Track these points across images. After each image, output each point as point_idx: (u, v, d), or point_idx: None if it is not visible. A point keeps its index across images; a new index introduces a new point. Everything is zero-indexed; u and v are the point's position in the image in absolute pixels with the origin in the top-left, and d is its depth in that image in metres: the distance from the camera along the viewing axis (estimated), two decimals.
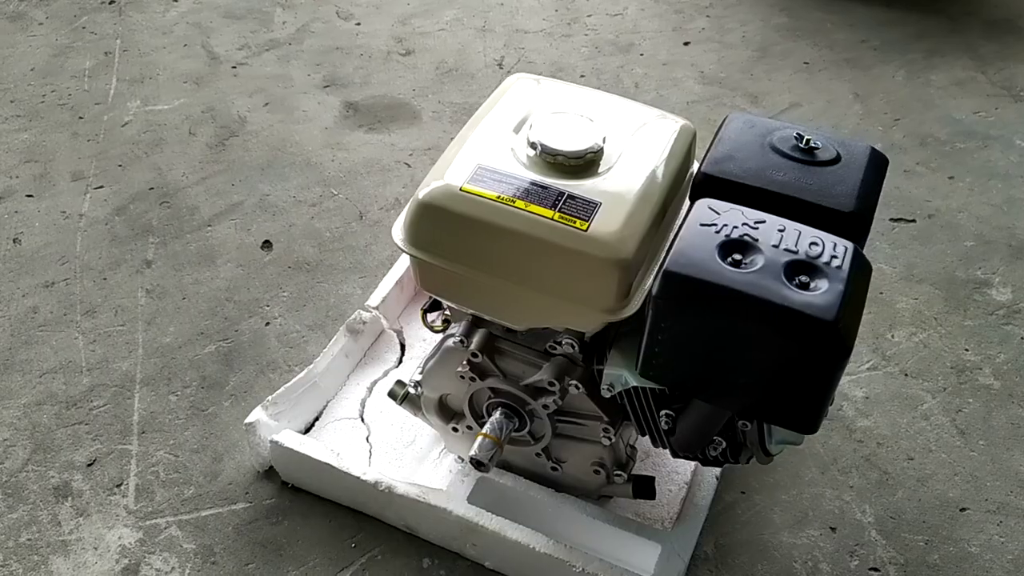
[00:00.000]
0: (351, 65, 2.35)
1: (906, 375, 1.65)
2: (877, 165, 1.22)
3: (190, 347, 1.68)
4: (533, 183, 1.14)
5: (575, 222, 1.10)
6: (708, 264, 1.03)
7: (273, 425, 1.47)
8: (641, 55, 2.40)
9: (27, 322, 1.73)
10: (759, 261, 1.04)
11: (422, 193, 1.15)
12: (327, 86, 2.29)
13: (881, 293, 1.79)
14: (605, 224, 1.11)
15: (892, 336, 1.72)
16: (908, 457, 1.53)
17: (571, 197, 1.13)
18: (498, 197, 1.13)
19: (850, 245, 1.07)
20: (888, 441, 1.56)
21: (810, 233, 1.08)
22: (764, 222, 1.09)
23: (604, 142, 1.20)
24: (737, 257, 1.04)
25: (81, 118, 2.17)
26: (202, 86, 2.28)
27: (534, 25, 2.49)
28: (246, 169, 2.05)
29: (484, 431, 1.29)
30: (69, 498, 1.46)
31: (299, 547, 1.40)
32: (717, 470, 1.45)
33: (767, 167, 1.17)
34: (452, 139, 1.24)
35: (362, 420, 1.55)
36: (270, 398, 1.50)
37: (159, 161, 2.07)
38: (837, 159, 1.19)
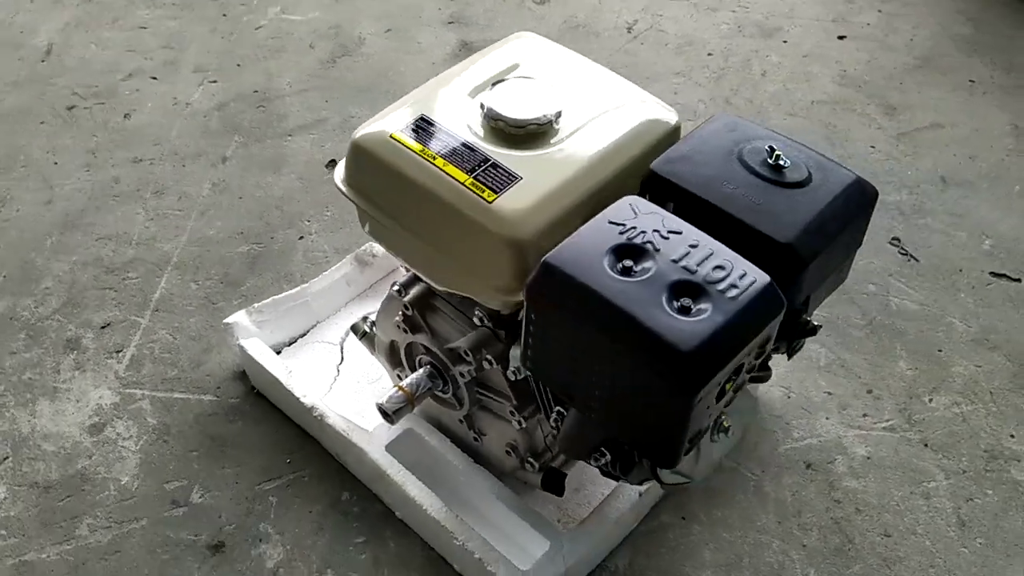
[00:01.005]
0: (482, 6, 2.33)
1: (926, 445, 1.45)
2: (855, 199, 1.07)
3: (226, 244, 1.78)
4: (464, 144, 1.10)
5: (484, 191, 1.05)
6: (590, 263, 0.96)
7: (251, 330, 1.53)
8: (784, 42, 2.20)
9: (105, 190, 1.90)
10: (648, 273, 0.95)
11: (358, 134, 1.14)
12: (451, 23, 2.29)
13: (940, 351, 1.57)
14: (514, 200, 1.05)
15: (930, 400, 1.51)
16: (885, 533, 1.35)
17: (494, 166, 1.07)
18: (421, 151, 1.09)
19: (763, 278, 0.95)
20: (870, 510, 1.38)
21: (724, 256, 0.97)
22: (679, 233, 0.99)
23: (557, 117, 1.12)
24: (628, 264, 0.96)
25: (225, 15, 2.32)
26: (339, 3, 2.35)
27: None
28: (344, 88, 2.11)
29: (401, 384, 1.28)
30: (75, 352, 1.61)
31: (241, 449, 1.47)
32: (640, 486, 1.35)
33: (721, 177, 1.05)
34: None
35: (340, 348, 1.58)
36: (256, 305, 1.56)
37: (273, 67, 2.17)
38: (805, 183, 1.06)
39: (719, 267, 0.96)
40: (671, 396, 0.90)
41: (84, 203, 1.87)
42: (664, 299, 0.93)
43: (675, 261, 0.96)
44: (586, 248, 0.98)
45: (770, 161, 1.07)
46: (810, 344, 1.58)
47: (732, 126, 1.13)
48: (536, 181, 1.07)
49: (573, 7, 2.32)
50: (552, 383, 1.08)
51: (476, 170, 1.07)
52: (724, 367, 0.91)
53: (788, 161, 1.07)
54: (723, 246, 0.99)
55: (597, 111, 1.15)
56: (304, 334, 1.60)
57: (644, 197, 1.08)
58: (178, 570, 1.34)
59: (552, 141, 1.11)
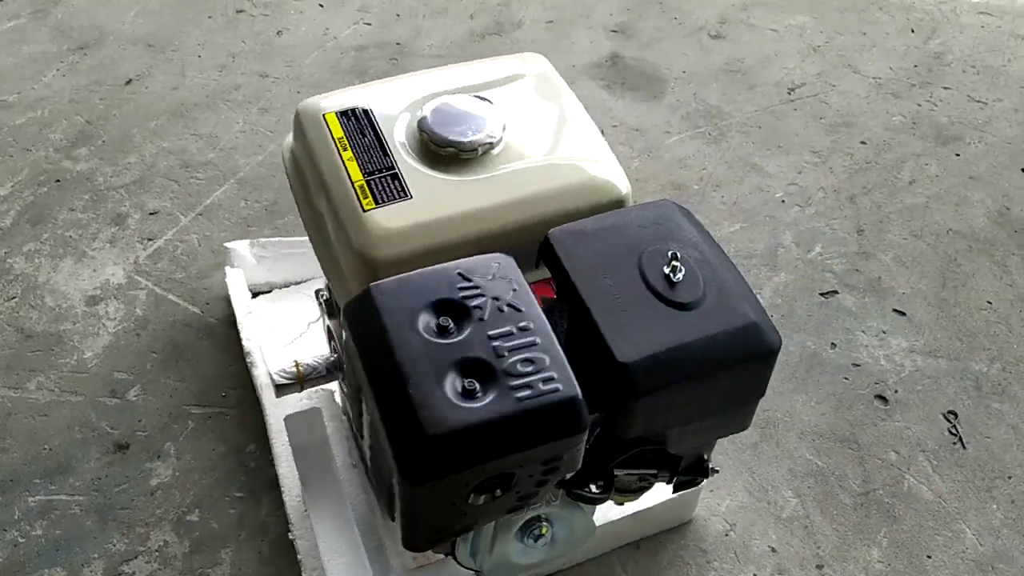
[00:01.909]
0: (654, 24, 2.20)
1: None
2: (742, 343, 0.90)
3: None
4: (381, 146, 1.04)
5: (366, 198, 0.99)
6: (406, 308, 0.88)
7: (247, 261, 1.57)
8: (956, 155, 1.90)
9: (224, 93, 2.01)
10: (456, 339, 0.86)
11: (302, 102, 1.11)
12: (614, 32, 2.19)
13: (929, 557, 1.31)
14: (389, 217, 0.98)
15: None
16: None
17: (394, 176, 1.01)
18: (339, 138, 1.05)
19: (568, 393, 0.84)
20: None
21: (546, 353, 0.86)
22: (519, 311, 0.89)
23: (487, 148, 1.03)
24: (445, 323, 0.87)
25: None
26: None
27: (876, 68, 2.09)
28: None
29: (299, 361, 1.25)
30: (117, 227, 1.73)
31: (191, 367, 1.52)
32: None
33: (607, 268, 0.94)
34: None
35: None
36: (261, 240, 1.60)
37: (425, 26, 2.19)
38: (689, 305, 0.91)
39: (530, 361, 0.85)
40: (398, 475, 0.82)
41: (200, 99, 1.99)
42: (451, 373, 0.84)
43: (490, 338, 0.87)
44: (415, 290, 0.90)
45: (665, 269, 0.92)
46: (784, 490, 1.38)
47: (663, 218, 0.99)
48: (426, 205, 0.99)
49: (745, 51, 2.14)
50: (348, 402, 1.02)
51: (375, 175, 1.01)
52: (469, 468, 0.81)
53: (682, 276, 0.92)
54: (555, 343, 0.87)
55: (540, 156, 1.05)
56: (300, 282, 1.62)
57: (538, 261, 0.98)
58: (80, 452, 1.42)
59: (471, 171, 1.03)
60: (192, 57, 2.09)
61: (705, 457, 1.08)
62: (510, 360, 0.85)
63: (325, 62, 2.08)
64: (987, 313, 1.62)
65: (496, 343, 0.86)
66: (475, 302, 0.89)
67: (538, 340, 0.87)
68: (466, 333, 0.87)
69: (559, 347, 0.87)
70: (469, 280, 0.91)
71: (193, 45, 2.13)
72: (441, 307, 0.89)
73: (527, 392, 0.83)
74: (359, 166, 1.02)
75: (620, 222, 0.98)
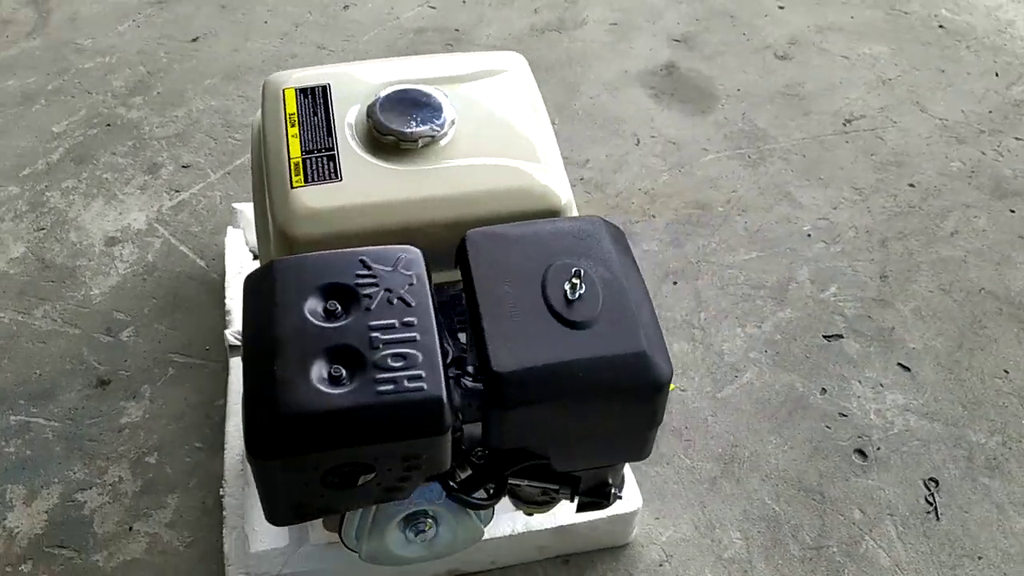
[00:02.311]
0: (721, 38, 2.14)
1: None
2: (628, 373, 0.88)
3: None
4: (327, 127, 1.05)
5: (298, 175, 1.00)
6: (297, 287, 0.90)
7: (253, 223, 1.62)
8: (1011, 211, 1.76)
9: (279, 60, 2.06)
10: (337, 324, 0.87)
11: (272, 75, 1.13)
12: (676, 41, 2.13)
13: None
14: (314, 196, 0.99)
15: None
16: None
17: (331, 158, 1.02)
18: (290, 114, 1.06)
19: (431, 395, 0.83)
20: None
21: (422, 351, 0.86)
22: (409, 306, 0.88)
23: (428, 142, 1.03)
24: (333, 306, 0.88)
25: None
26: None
27: (945, 109, 1.95)
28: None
29: None
30: (150, 176, 1.81)
31: (185, 318, 1.58)
32: None
33: (511, 274, 0.93)
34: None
35: None
36: None
37: (488, 14, 2.19)
38: (579, 324, 0.88)
39: (402, 357, 0.85)
40: (246, 448, 0.83)
41: (256, 63, 2.06)
42: (321, 357, 0.85)
43: (370, 328, 0.87)
44: (313, 270, 0.91)
45: (566, 285, 0.90)
46: (732, 530, 1.32)
47: (585, 234, 0.96)
48: (353, 190, 1.00)
49: (809, 75, 2.04)
50: None
51: (313, 153, 1.03)
52: (316, 452, 0.82)
53: (580, 294, 0.89)
54: (435, 343, 0.86)
55: (484, 156, 1.04)
56: None
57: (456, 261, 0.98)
58: (65, 382, 1.49)
59: (410, 162, 1.03)
60: (259, 22, 2.16)
61: (609, 481, 1.05)
62: (383, 353, 0.85)
63: (383, 40, 2.11)
64: (1001, 383, 1.51)
65: (375, 334, 0.86)
66: (367, 291, 0.89)
67: (418, 337, 0.86)
68: (349, 320, 0.87)
69: (438, 348, 0.86)
70: (368, 268, 0.91)
71: (263, 11, 2.20)
72: (333, 291, 0.89)
73: (390, 387, 0.83)
74: (300, 143, 1.03)
75: (541, 232, 0.96)
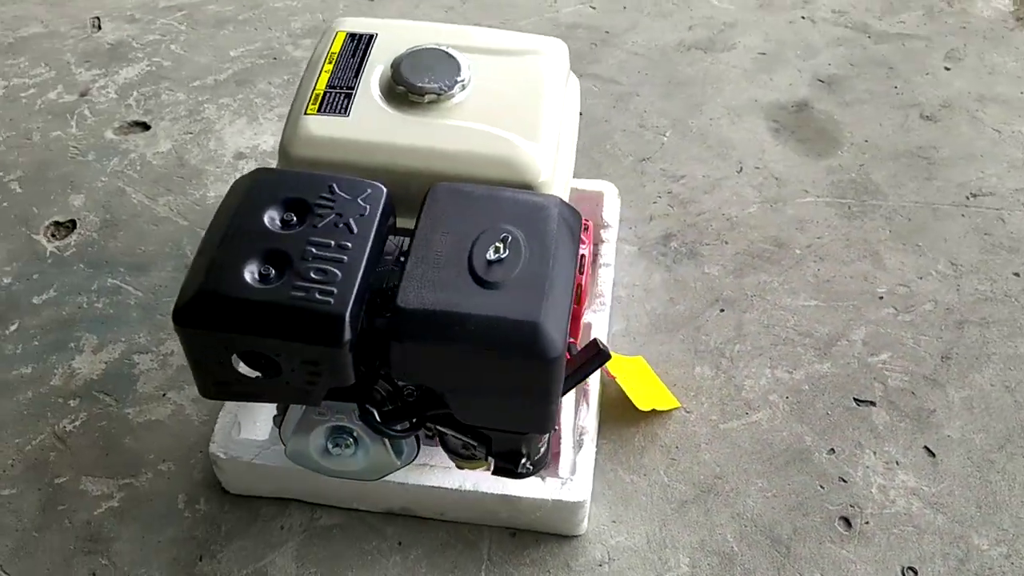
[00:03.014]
0: (870, 85, 2.05)
1: None
2: (515, 336, 0.92)
3: None
4: (358, 70, 1.16)
5: (313, 105, 1.12)
6: (266, 194, 1.03)
7: None
8: None
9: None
10: (284, 233, 0.98)
11: (341, 18, 1.25)
12: (822, 81, 2.06)
13: None
14: (318, 125, 1.11)
15: None
16: None
17: (348, 96, 1.13)
18: (333, 52, 1.18)
19: (334, 311, 0.94)
20: None
21: (345, 273, 0.96)
22: (352, 233, 0.98)
23: (433, 98, 1.12)
24: (288, 217, 1.00)
25: None
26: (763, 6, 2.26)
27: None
28: (672, 82, 2.09)
29: None
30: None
31: None
32: None
33: (452, 226, 1.00)
34: None
35: None
36: None
37: (650, 25, 2.23)
38: (491, 286, 0.94)
39: (324, 272, 0.94)
40: (172, 316, 0.95)
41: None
42: (258, 256, 0.96)
43: (308, 241, 0.97)
44: (284, 183, 1.03)
45: (491, 246, 0.95)
46: (683, 555, 1.31)
47: (538, 209, 1.02)
48: (353, 126, 1.10)
49: (949, 142, 1.92)
50: None
51: (335, 90, 1.14)
52: (220, 331, 0.93)
53: (498, 257, 0.95)
54: (360, 270, 0.95)
55: (482, 125, 1.11)
56: None
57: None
58: (159, 261, 1.71)
59: (413, 113, 1.12)
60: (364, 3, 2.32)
61: (523, 452, 1.09)
62: (309, 264, 0.95)
63: (533, 29, 2.20)
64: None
65: (310, 248, 0.96)
66: (321, 211, 0.99)
67: (345, 260, 0.96)
68: (295, 231, 0.98)
69: (360, 275, 0.95)
70: (332, 193, 1.01)
71: None
72: (294, 204, 1.00)
73: (302, 294, 0.93)
74: (328, 79, 1.15)
75: (498, 198, 1.02)
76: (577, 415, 1.37)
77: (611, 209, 1.63)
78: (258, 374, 0.97)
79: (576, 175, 1.68)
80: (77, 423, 1.49)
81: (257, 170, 1.05)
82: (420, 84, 1.12)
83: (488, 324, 0.92)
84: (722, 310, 1.62)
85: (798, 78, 2.09)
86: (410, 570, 1.32)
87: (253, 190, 1.01)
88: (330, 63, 1.17)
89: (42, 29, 2.24)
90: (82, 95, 2.06)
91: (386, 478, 1.28)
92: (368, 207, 1.00)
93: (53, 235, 1.78)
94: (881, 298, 1.65)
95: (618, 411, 1.46)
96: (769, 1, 2.28)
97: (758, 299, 1.64)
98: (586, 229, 1.35)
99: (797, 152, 1.92)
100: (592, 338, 1.26)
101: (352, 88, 1.15)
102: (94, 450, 1.46)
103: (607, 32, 2.21)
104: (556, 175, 1.12)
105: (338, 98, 1.14)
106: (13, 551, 1.34)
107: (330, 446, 1.10)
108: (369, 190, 1.02)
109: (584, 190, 1.65)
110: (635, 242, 1.73)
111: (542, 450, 1.13)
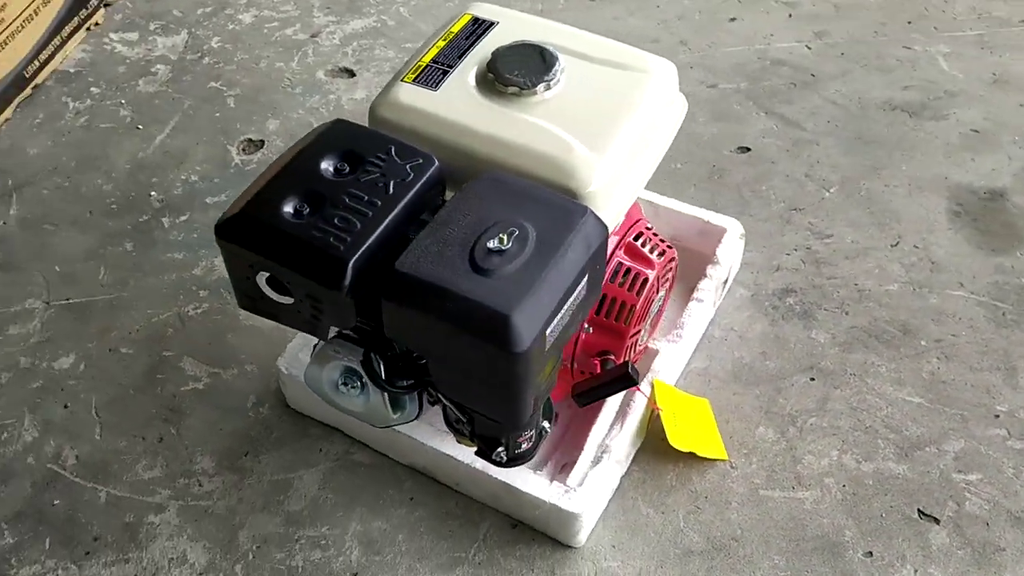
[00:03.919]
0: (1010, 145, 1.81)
1: None
2: (484, 323, 0.97)
3: None
4: (464, 52, 1.23)
5: (412, 75, 1.21)
6: (333, 142, 1.13)
7: None
8: None
9: (638, 39, 2.22)
10: (337, 181, 1.09)
11: (479, 3, 1.32)
12: (900, 109, 1.85)
13: None
14: (405, 94, 1.20)
15: None
16: None
17: (444, 73, 1.20)
18: (451, 31, 1.26)
19: (346, 256, 1.02)
20: None
21: (367, 225, 1.05)
22: (387, 194, 1.07)
23: (512, 92, 1.17)
24: (341, 167, 1.10)
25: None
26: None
27: None
28: (863, 138, 1.97)
29: None
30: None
31: None
32: None
33: (476, 213, 1.07)
34: None
35: None
36: None
37: (861, 77, 2.11)
38: (481, 271, 0.99)
39: (347, 221, 1.03)
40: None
41: (622, 34, 2.23)
42: (301, 194, 1.06)
43: (346, 192, 1.05)
44: (351, 137, 1.12)
45: (497, 235, 0.99)
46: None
47: (565, 215, 1.04)
48: (435, 101, 1.17)
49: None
50: None
51: (437, 65, 1.21)
52: (245, 249, 1.04)
53: (498, 247, 1.00)
54: (380, 227, 1.04)
55: (552, 125, 1.14)
56: None
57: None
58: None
59: (495, 101, 1.17)
60: (652, 5, 2.33)
61: (501, 442, 1.12)
62: (338, 212, 1.04)
63: (734, 57, 2.16)
64: None
65: (344, 197, 1.05)
66: (371, 168, 1.08)
67: (369, 215, 1.03)
68: (341, 180, 1.07)
69: (378, 231, 1.02)
70: (387, 154, 1.09)
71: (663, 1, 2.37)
72: (351, 157, 1.09)
73: (319, 234, 1.02)
74: (435, 55, 1.22)
75: (532, 195, 1.05)
76: (609, 434, 1.37)
77: (727, 248, 1.59)
78: (278, 297, 1.08)
79: (715, 207, 1.66)
80: (199, 311, 1.69)
81: (336, 120, 1.15)
82: (507, 75, 1.16)
83: (465, 306, 0.96)
84: (812, 379, 1.54)
85: (1005, 165, 1.90)
86: (411, 525, 1.39)
87: (323, 136, 1.11)
88: (444, 40, 1.25)
89: None
90: (312, 36, 2.29)
91: (411, 436, 1.36)
92: (412, 175, 1.07)
93: (243, 149, 2.01)
94: (997, 416, 1.49)
95: (664, 445, 1.44)
96: (1007, 79, 2.08)
97: (856, 379, 1.54)
98: (666, 256, 1.34)
99: (969, 241, 1.75)
100: (624, 361, 1.27)
101: (451, 67, 1.21)
102: (202, 337, 1.65)
103: (812, 75, 2.12)
104: (611, 190, 1.12)
105: (435, 73, 1.21)
106: (111, 400, 1.57)
107: (340, 383, 1.19)
108: (420, 160, 1.09)
109: (708, 222, 1.62)
110: (751, 287, 1.67)
111: (523, 446, 1.15)
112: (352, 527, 1.40)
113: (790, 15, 2.29)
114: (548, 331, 0.99)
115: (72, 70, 2.18)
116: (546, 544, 1.37)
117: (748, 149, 1.94)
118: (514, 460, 1.17)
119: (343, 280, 1.00)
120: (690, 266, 1.56)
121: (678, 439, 1.40)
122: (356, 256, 1.00)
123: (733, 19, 2.29)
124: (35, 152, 2.00)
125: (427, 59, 1.23)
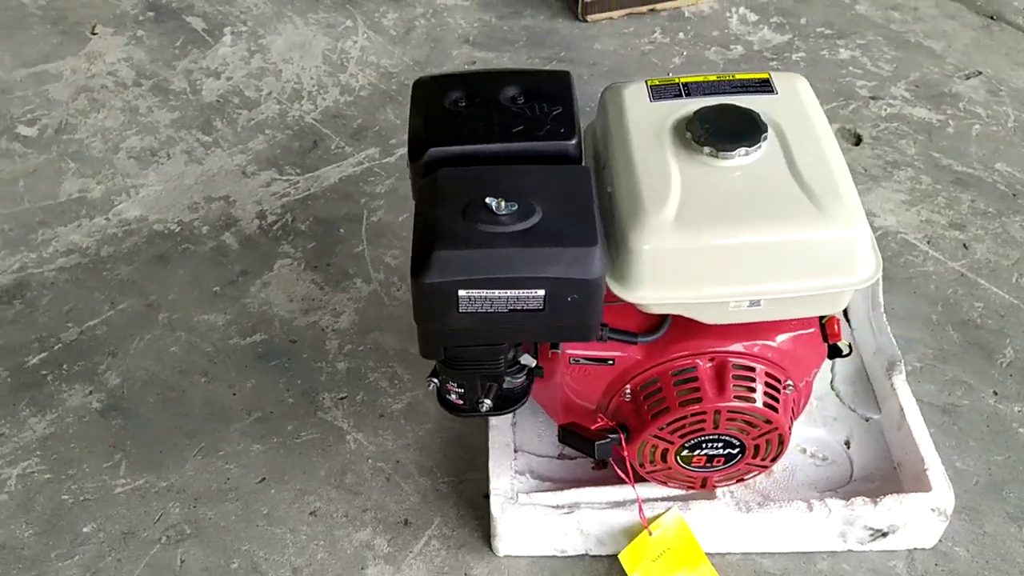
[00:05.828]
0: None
1: None
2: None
3: None
4: (683, 97, 1.27)
5: (657, 80, 1.31)
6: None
7: None
8: None
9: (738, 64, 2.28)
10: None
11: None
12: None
13: None
14: (628, 95, 1.29)
15: None
16: None
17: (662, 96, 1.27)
18: (678, 77, 1.31)
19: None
20: None
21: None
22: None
23: (713, 152, 1.18)
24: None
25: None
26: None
27: None
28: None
29: None
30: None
31: None
32: None
33: (524, 186, 1.14)
34: None
35: None
36: None
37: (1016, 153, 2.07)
38: (499, 218, 1.09)
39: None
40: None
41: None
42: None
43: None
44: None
45: (502, 201, 1.08)
46: None
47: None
48: (631, 111, 1.27)
49: None
50: None
51: (662, 87, 1.28)
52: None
53: (511, 209, 1.08)
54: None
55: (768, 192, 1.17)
56: None
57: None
58: None
59: (682, 155, 1.20)
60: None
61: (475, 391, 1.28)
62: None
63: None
64: None
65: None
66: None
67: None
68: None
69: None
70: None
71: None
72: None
73: None
74: (666, 84, 1.29)
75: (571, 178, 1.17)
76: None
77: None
78: None
79: None
80: None
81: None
82: (700, 134, 1.18)
83: (428, 221, 1.09)
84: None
85: None
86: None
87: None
88: (680, 78, 1.29)
89: None
90: None
91: None
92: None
93: None
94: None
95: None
96: None
97: None
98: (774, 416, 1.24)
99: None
100: (611, 439, 1.29)
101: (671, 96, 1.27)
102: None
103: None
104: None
105: (660, 93, 1.27)
106: None
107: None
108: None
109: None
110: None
111: (483, 398, 1.26)
112: None
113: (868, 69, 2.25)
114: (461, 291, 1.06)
115: None
116: (466, 549, 1.41)
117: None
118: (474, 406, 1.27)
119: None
120: None
121: (628, 557, 1.31)
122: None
123: (808, 64, 2.27)
124: None
125: (661, 82, 1.28)
